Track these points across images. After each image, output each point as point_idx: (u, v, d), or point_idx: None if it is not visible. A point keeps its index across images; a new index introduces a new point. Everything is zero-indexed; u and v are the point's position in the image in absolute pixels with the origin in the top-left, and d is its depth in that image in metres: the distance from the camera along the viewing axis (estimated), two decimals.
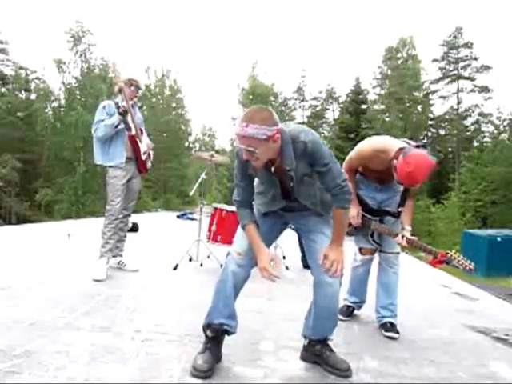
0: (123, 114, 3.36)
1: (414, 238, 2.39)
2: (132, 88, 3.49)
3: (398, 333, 2.45)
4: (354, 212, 2.57)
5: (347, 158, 2.57)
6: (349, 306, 2.78)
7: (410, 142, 2.42)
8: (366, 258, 2.71)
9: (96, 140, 3.46)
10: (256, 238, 1.80)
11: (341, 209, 1.76)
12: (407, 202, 2.48)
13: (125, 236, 3.71)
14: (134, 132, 3.46)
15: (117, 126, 3.37)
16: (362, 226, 2.60)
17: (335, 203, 1.77)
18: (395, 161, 2.23)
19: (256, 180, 1.94)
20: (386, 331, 2.47)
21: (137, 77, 3.59)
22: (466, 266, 2.22)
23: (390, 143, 2.39)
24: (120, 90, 3.43)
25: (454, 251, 2.31)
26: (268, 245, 1.90)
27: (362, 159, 2.50)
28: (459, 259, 2.25)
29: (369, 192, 2.62)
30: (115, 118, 3.36)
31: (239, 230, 1.92)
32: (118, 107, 3.40)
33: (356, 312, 2.84)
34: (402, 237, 2.39)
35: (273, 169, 1.75)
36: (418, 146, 2.26)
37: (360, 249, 2.72)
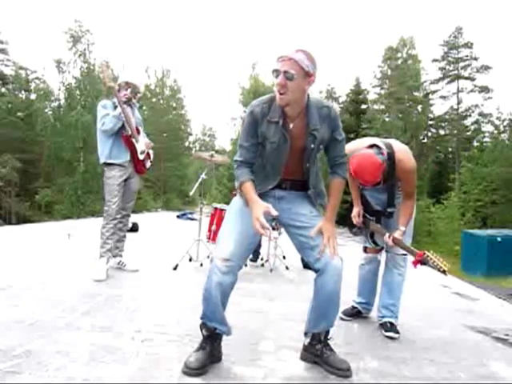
0: (126, 101, 3.39)
1: (399, 237, 2.36)
2: (129, 91, 3.48)
3: (397, 333, 2.45)
4: (355, 211, 2.62)
5: None
6: (354, 307, 2.78)
7: (392, 141, 2.46)
8: (369, 256, 2.71)
9: (102, 135, 3.45)
10: (251, 192, 1.78)
11: (342, 179, 1.92)
12: (404, 202, 2.47)
13: (124, 236, 3.71)
14: (129, 132, 3.47)
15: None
16: (363, 224, 2.62)
17: (340, 172, 1.91)
18: None
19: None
20: (385, 331, 2.47)
21: (135, 79, 3.56)
22: (440, 268, 2.18)
23: (360, 144, 2.43)
24: (118, 90, 3.45)
25: (431, 252, 2.27)
26: (251, 242, 1.83)
27: None
28: (434, 260, 2.21)
29: (374, 192, 2.63)
30: (118, 108, 3.37)
31: (221, 232, 1.86)
32: (116, 107, 3.41)
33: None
34: (389, 236, 2.38)
35: (291, 125, 1.78)
36: (370, 146, 2.31)
37: (365, 248, 2.73)
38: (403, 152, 2.41)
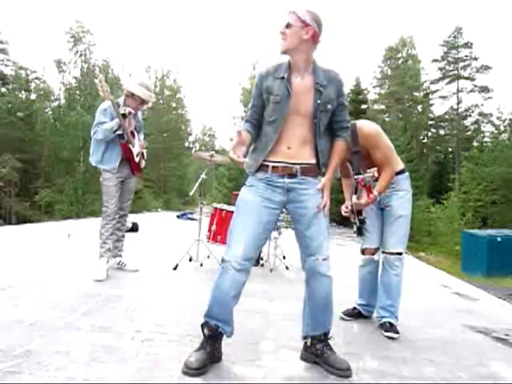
0: (124, 115, 3.38)
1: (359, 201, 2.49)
2: (136, 103, 3.49)
3: (397, 333, 2.45)
4: (344, 205, 2.68)
5: None
6: (355, 308, 2.78)
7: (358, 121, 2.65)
8: (367, 257, 2.72)
9: (94, 141, 3.48)
10: (242, 135, 1.81)
11: (345, 141, 1.98)
12: (381, 172, 2.46)
13: (123, 236, 3.72)
14: (125, 140, 3.49)
15: (115, 131, 3.39)
16: (351, 213, 2.65)
17: (344, 135, 1.97)
18: None
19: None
20: (385, 331, 2.46)
21: (150, 98, 3.54)
22: (371, 176, 2.28)
23: None
24: (127, 96, 3.47)
25: (367, 172, 2.36)
26: (262, 238, 1.85)
27: None
28: (367, 177, 2.31)
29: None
30: (114, 122, 3.37)
31: (231, 232, 1.86)
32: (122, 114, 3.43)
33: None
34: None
35: (298, 79, 1.85)
36: None
37: (363, 250, 2.74)
38: (364, 122, 2.62)
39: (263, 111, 1.92)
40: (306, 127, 1.86)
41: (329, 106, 1.85)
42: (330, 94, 1.85)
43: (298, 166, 1.86)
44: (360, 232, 2.64)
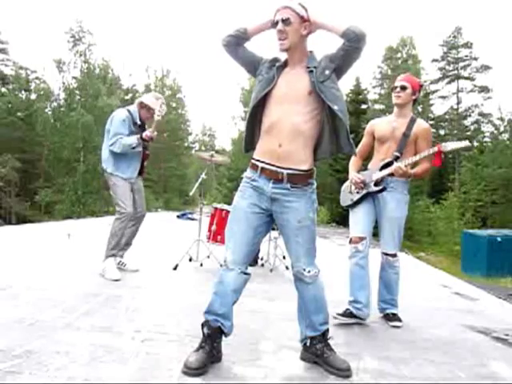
0: (146, 140, 3.50)
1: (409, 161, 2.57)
2: (148, 112, 3.60)
3: (400, 321, 2.63)
4: (352, 176, 2.79)
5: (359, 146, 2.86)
6: (347, 309, 2.68)
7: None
8: (353, 246, 2.69)
9: (108, 150, 3.48)
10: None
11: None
12: (423, 163, 2.64)
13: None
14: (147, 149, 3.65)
15: (134, 148, 3.45)
16: (363, 184, 2.73)
17: None
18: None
19: None
20: (390, 321, 2.64)
21: (151, 101, 3.59)
22: (460, 145, 2.44)
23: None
24: (142, 107, 3.58)
25: (443, 143, 2.49)
26: (255, 242, 1.88)
27: (370, 127, 2.86)
28: (451, 145, 2.44)
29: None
30: (134, 139, 3.42)
31: (226, 236, 1.90)
32: (135, 123, 3.52)
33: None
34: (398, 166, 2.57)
35: (289, 68, 1.86)
36: None
37: (350, 239, 2.76)
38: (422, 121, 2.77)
39: (246, 54, 1.94)
40: (301, 117, 1.79)
41: (326, 72, 1.78)
42: (324, 65, 1.80)
43: (285, 172, 1.79)
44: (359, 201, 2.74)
